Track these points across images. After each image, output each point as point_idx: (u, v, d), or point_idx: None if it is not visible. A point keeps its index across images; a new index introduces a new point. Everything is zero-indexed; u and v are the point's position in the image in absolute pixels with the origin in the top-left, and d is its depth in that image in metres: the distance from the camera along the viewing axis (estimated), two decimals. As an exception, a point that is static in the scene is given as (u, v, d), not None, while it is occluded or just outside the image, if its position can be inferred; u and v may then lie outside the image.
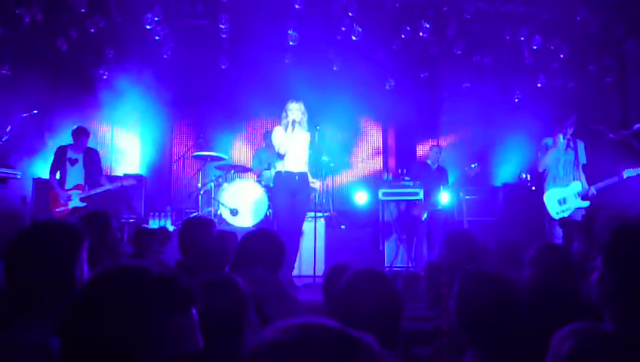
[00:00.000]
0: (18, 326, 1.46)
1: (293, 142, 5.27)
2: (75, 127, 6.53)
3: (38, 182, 7.37)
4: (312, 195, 5.69)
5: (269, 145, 6.51)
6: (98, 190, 6.35)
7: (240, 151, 9.24)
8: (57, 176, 6.26)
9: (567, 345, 1.24)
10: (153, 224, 7.37)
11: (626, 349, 1.26)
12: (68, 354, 1.01)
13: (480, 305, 1.78)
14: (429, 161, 7.48)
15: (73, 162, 6.32)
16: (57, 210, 6.18)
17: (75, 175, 6.30)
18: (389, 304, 1.73)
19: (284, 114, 5.31)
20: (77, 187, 6.27)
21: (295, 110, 5.26)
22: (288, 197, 5.27)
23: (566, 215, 5.56)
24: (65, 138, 6.81)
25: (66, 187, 6.24)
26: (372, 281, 1.78)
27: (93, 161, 6.42)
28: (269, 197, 6.71)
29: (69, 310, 1.03)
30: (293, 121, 5.22)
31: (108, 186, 6.40)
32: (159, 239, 3.90)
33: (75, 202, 6.21)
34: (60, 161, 6.29)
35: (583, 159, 5.78)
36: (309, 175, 5.57)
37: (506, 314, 1.75)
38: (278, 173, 5.36)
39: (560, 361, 1.23)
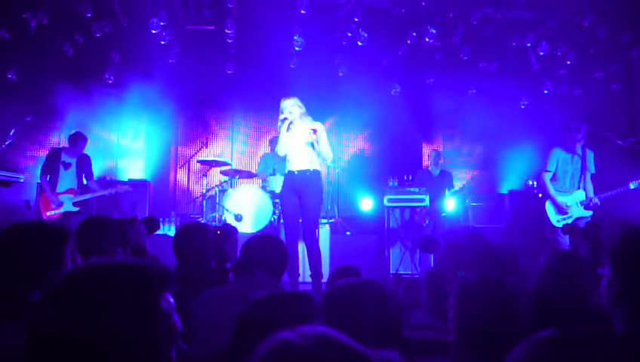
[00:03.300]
0: None
1: (292, 140, 4.98)
2: (72, 131, 6.49)
3: (43, 186, 7.37)
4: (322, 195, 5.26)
5: (275, 151, 6.47)
6: (91, 195, 6.33)
7: (245, 157, 9.21)
8: (48, 178, 6.19)
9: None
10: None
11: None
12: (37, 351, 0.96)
13: (482, 316, 1.68)
14: (430, 168, 7.47)
15: (67, 166, 6.27)
16: (48, 213, 6.12)
17: (68, 179, 6.24)
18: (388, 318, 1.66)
19: (280, 114, 5.00)
20: (69, 191, 6.22)
21: (289, 106, 4.95)
22: (291, 198, 5.00)
23: (568, 222, 5.47)
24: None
25: (58, 190, 6.18)
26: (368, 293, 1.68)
27: (85, 166, 6.39)
28: (273, 203, 6.70)
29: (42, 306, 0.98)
30: (284, 120, 4.92)
31: (102, 192, 6.37)
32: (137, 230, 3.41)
33: (68, 206, 6.15)
34: (54, 163, 6.23)
35: (592, 169, 5.68)
36: (314, 163, 5.00)
37: (509, 325, 1.68)
38: (285, 174, 5.20)
39: None
